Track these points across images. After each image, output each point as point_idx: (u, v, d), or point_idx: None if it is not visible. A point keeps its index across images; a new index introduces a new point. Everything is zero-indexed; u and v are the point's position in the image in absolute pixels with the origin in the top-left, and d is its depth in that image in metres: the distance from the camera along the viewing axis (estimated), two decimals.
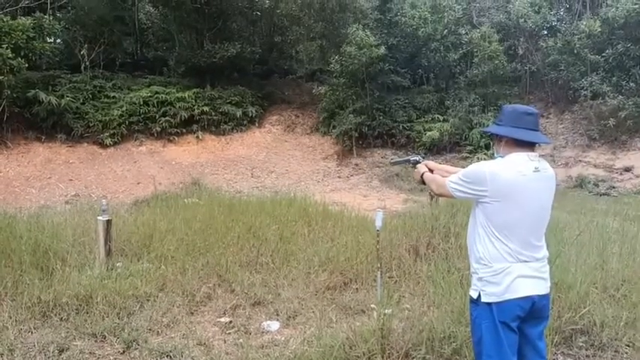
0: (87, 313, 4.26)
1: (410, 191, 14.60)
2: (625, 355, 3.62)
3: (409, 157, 3.32)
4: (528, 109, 2.64)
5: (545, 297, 2.57)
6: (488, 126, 2.97)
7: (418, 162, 3.14)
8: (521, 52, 20.33)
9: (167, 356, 3.67)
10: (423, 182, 2.97)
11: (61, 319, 4.20)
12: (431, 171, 3.01)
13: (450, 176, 2.71)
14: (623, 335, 3.77)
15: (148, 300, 4.62)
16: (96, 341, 3.89)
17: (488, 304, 2.50)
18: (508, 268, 2.47)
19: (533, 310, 2.52)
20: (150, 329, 4.12)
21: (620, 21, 17.04)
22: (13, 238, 5.52)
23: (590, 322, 3.85)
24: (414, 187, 14.54)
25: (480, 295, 2.53)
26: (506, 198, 2.46)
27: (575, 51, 17.60)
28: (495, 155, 2.70)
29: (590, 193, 14.62)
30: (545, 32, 19.82)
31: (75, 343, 3.82)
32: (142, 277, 4.99)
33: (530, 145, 2.56)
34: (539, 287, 2.52)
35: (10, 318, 4.11)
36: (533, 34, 19.66)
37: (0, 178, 15.08)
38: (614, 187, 14.94)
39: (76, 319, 4.16)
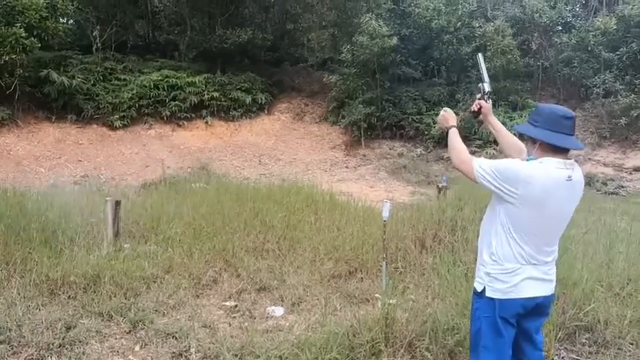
0: (94, 292, 4.30)
1: (417, 184, 14.59)
2: (628, 353, 3.61)
3: (484, 85, 2.99)
4: (567, 112, 2.49)
5: (549, 297, 2.57)
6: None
7: (485, 94, 2.90)
8: (534, 47, 20.15)
9: (172, 337, 3.71)
10: (447, 136, 2.74)
11: (69, 297, 4.25)
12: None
13: (480, 159, 2.54)
14: (626, 334, 3.76)
15: (154, 282, 4.67)
16: (102, 320, 3.93)
17: (492, 299, 2.49)
18: (518, 269, 2.46)
19: (535, 308, 2.52)
20: (156, 310, 4.16)
21: (636, 19, 16.83)
22: (22, 217, 5.57)
23: (594, 320, 3.85)
24: (421, 179, 14.52)
25: (484, 289, 2.52)
26: (534, 205, 2.39)
27: (589, 48, 17.41)
28: (527, 157, 2.57)
29: (598, 191, 14.53)
30: (560, 28, 19.61)
31: (82, 321, 3.86)
32: (149, 259, 5.05)
33: (565, 152, 2.45)
34: (544, 289, 2.52)
35: (19, 294, 4.16)
36: (548, 30, 19.45)
37: (10, 156, 15.21)
38: (622, 187, 14.84)
39: (83, 297, 4.21)
